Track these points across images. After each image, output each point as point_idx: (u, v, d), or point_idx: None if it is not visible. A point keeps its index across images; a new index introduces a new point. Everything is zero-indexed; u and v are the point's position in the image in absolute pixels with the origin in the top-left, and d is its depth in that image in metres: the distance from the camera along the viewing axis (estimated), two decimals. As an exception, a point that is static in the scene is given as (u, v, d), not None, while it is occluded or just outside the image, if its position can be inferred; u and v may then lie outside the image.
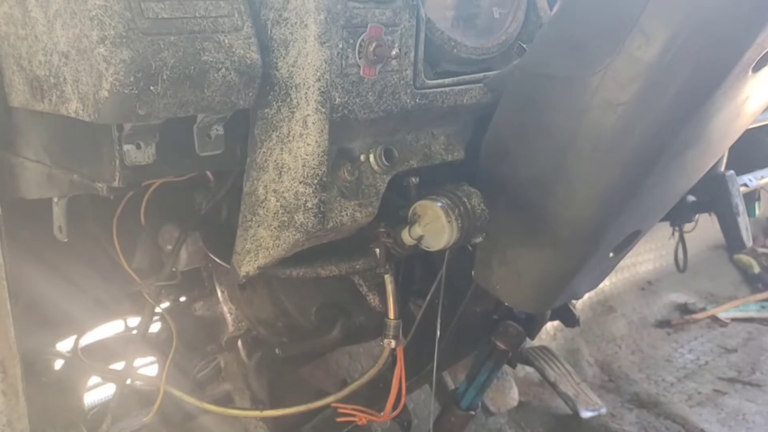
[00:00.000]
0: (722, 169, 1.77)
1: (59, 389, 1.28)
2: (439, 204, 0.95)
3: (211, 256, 1.18)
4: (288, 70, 0.86)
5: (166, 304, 1.34)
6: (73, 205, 1.03)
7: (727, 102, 0.97)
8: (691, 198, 1.74)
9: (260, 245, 0.97)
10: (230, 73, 0.80)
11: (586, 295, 2.05)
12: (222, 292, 1.32)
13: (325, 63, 0.85)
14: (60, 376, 1.30)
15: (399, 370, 1.14)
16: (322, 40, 0.84)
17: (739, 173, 1.84)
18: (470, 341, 1.52)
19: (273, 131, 0.90)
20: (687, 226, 1.89)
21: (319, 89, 0.85)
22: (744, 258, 2.99)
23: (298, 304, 1.32)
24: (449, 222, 0.94)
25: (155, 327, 1.38)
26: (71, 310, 1.25)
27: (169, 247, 1.19)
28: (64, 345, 1.33)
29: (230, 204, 1.13)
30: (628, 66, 0.88)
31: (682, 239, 1.93)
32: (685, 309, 2.74)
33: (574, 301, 1.63)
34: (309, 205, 0.90)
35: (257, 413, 1.27)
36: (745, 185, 2.00)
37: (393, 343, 1.10)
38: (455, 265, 1.20)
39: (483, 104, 1.08)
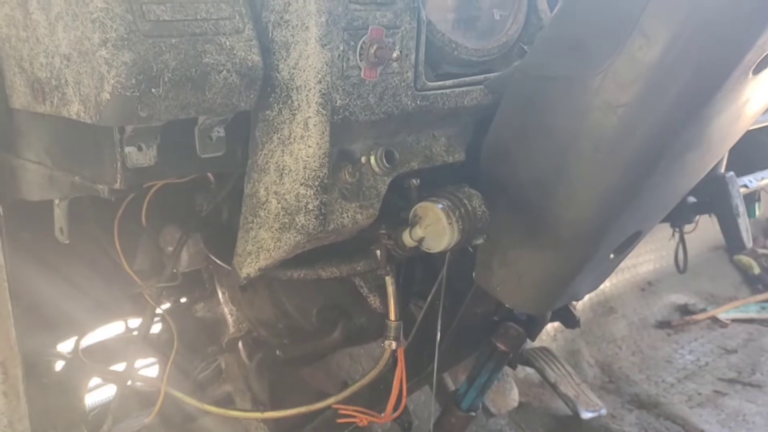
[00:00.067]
0: (722, 170, 1.77)
1: (60, 390, 1.29)
2: (440, 206, 0.96)
3: (212, 257, 1.18)
4: (289, 72, 0.86)
5: (167, 306, 1.35)
6: (75, 207, 1.03)
7: (727, 104, 0.97)
8: (692, 199, 1.74)
9: (261, 247, 0.97)
10: (231, 75, 0.81)
11: (587, 296, 2.05)
12: (223, 293, 1.33)
13: (326, 65, 0.85)
14: (61, 377, 1.30)
15: (400, 372, 1.15)
16: (323, 42, 0.84)
17: (739, 174, 1.84)
18: (471, 342, 1.52)
19: (274, 133, 0.90)
20: (687, 227, 1.89)
21: (320, 91, 0.85)
22: (744, 259, 2.99)
23: (299, 305, 1.32)
24: (450, 224, 0.94)
25: (156, 328, 1.38)
26: (72, 311, 1.25)
27: (170, 249, 1.19)
28: (65, 346, 1.33)
29: (231, 206, 1.13)
30: (629, 67, 0.88)
31: (682, 240, 1.93)
32: (685, 310, 2.74)
33: (574, 302, 1.63)
34: (310, 206, 0.90)
35: (258, 415, 1.27)
36: (746, 186, 2.01)
37: (394, 345, 1.10)
38: (456, 267, 1.20)
39: (484, 106, 1.08)
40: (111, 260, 1.20)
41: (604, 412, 2.02)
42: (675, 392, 2.22)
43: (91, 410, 1.36)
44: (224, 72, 0.80)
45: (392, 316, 1.11)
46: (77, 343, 1.30)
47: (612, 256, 1.20)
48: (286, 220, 0.93)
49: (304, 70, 0.85)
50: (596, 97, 0.92)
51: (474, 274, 1.21)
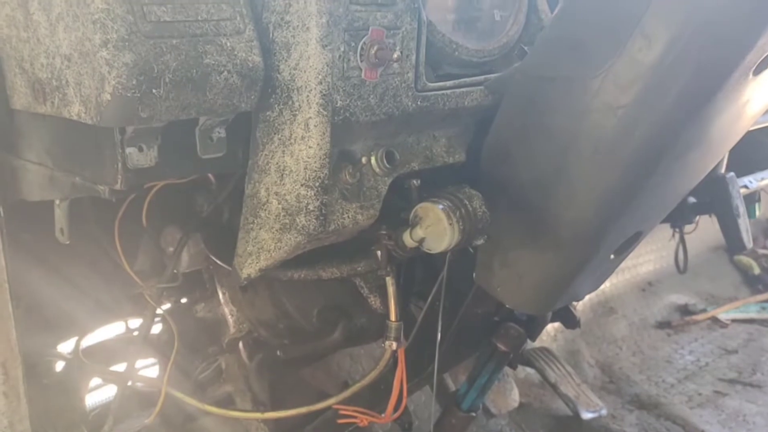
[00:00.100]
0: (723, 170, 1.77)
1: (61, 391, 1.29)
2: (441, 206, 0.96)
3: (213, 258, 1.18)
4: (290, 73, 0.86)
5: (167, 306, 1.35)
6: (75, 208, 1.03)
7: (727, 105, 0.97)
8: (692, 199, 1.74)
9: (262, 247, 0.97)
10: (232, 76, 0.81)
11: (587, 297, 2.05)
12: (223, 293, 1.32)
13: (327, 66, 0.85)
14: (61, 378, 1.30)
15: (400, 372, 1.15)
16: (324, 43, 0.84)
17: (739, 175, 1.84)
18: (471, 343, 1.52)
19: (275, 134, 0.91)
20: (687, 228, 1.89)
21: (320, 92, 0.85)
22: (744, 259, 2.99)
23: (300, 306, 1.32)
24: (451, 224, 0.94)
25: (156, 328, 1.38)
26: (73, 311, 1.25)
27: (171, 249, 1.19)
28: (66, 346, 1.33)
29: (232, 206, 1.13)
30: (629, 68, 0.88)
31: (682, 240, 1.93)
32: (685, 310, 2.74)
33: (574, 303, 1.63)
34: (311, 207, 0.90)
35: (258, 415, 1.27)
36: (746, 187, 2.01)
37: (394, 345, 1.11)
38: (456, 267, 1.20)
39: (484, 107, 1.08)
40: (111, 261, 1.20)
41: (604, 412, 2.02)
42: (675, 392, 2.22)
43: (92, 410, 1.36)
44: (225, 73, 0.80)
45: (393, 317, 1.11)
46: (78, 343, 1.30)
47: (612, 256, 1.20)
48: (287, 221, 0.93)
49: (304, 71, 0.85)
50: (596, 98, 0.92)
51: (474, 274, 1.21)
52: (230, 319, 1.32)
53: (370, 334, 1.33)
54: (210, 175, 1.13)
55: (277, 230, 0.94)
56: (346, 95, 0.89)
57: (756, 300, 2.83)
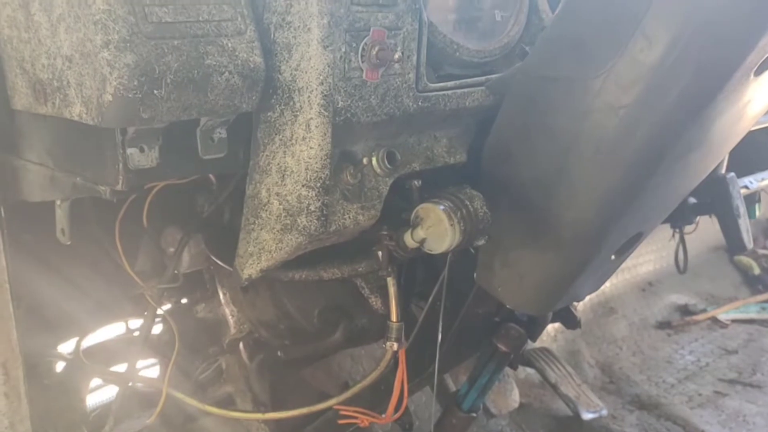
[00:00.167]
0: (723, 171, 1.77)
1: (61, 391, 1.29)
2: (442, 207, 0.96)
3: (214, 258, 1.18)
4: (291, 74, 0.86)
5: (168, 307, 1.35)
6: (76, 208, 1.03)
7: (729, 105, 0.97)
8: (692, 200, 1.74)
9: (263, 248, 0.97)
10: (233, 77, 0.81)
11: (587, 297, 2.06)
12: (224, 294, 1.32)
13: (328, 66, 0.85)
14: (62, 378, 1.30)
15: (401, 373, 1.15)
16: (325, 43, 0.84)
17: (739, 175, 1.84)
18: (472, 343, 1.52)
19: (276, 134, 0.90)
20: (687, 228, 1.89)
21: (322, 93, 0.85)
22: (744, 259, 2.99)
23: (301, 306, 1.32)
24: (452, 225, 0.94)
25: (157, 329, 1.38)
26: (73, 312, 1.25)
27: (172, 250, 1.19)
28: (66, 347, 1.33)
29: (232, 207, 1.13)
30: (630, 69, 0.88)
31: (682, 241, 1.93)
32: (685, 310, 2.74)
33: (575, 303, 1.63)
34: (312, 208, 0.90)
35: (259, 416, 1.27)
36: (746, 187, 2.01)
37: (395, 346, 1.11)
38: (457, 267, 1.20)
39: (485, 107, 1.08)
40: (112, 261, 1.20)
41: (604, 412, 2.02)
42: (675, 393, 2.22)
43: (92, 411, 1.36)
44: (226, 73, 0.80)
45: (394, 317, 1.11)
46: (78, 344, 1.30)
47: (613, 257, 1.20)
48: (288, 222, 0.93)
49: (306, 72, 0.85)
50: (597, 99, 0.92)
51: (475, 274, 1.21)
52: (231, 320, 1.32)
53: (371, 334, 1.33)
54: (211, 176, 1.13)
55: (278, 231, 0.94)
56: (347, 96, 0.89)
57: (756, 300, 2.84)
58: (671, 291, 2.78)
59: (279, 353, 1.33)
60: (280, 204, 0.93)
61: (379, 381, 1.19)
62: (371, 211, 0.97)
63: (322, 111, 0.86)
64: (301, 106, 0.87)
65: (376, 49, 0.88)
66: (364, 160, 0.94)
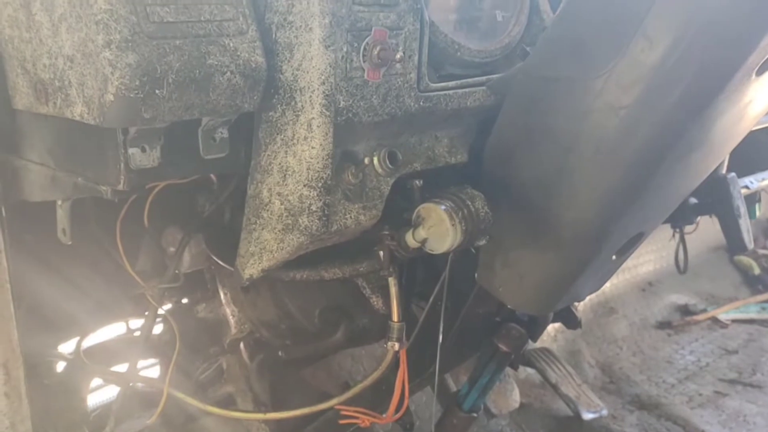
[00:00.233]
0: (724, 171, 1.77)
1: (62, 391, 1.28)
2: (443, 207, 0.95)
3: (214, 258, 1.18)
4: (293, 74, 0.86)
5: (168, 306, 1.35)
6: (77, 208, 1.03)
7: (730, 105, 0.97)
8: (693, 200, 1.74)
9: (264, 248, 0.97)
10: (235, 77, 0.81)
11: (587, 297, 2.06)
12: (225, 294, 1.32)
13: (330, 66, 0.85)
14: (63, 378, 1.30)
15: (402, 373, 1.15)
16: (327, 43, 0.84)
17: (740, 175, 1.84)
18: (473, 343, 1.52)
19: (277, 134, 0.90)
20: (687, 228, 1.89)
21: (323, 92, 0.85)
22: (744, 259, 2.99)
23: (302, 306, 1.32)
24: (453, 225, 0.94)
25: (157, 329, 1.38)
26: (74, 312, 1.25)
27: (172, 250, 1.19)
28: (67, 347, 1.33)
29: (233, 206, 1.13)
30: (631, 69, 0.88)
31: (682, 241, 1.93)
32: (685, 310, 2.74)
33: (575, 303, 1.63)
34: (313, 208, 0.90)
35: (261, 416, 1.27)
36: (747, 187, 2.01)
37: (397, 346, 1.11)
38: (458, 267, 1.20)
39: (486, 107, 1.08)
40: (113, 261, 1.20)
41: (605, 412, 2.02)
42: (676, 393, 2.22)
43: (93, 411, 1.36)
44: (228, 73, 0.80)
45: (395, 317, 1.11)
46: (79, 343, 1.30)
47: (614, 257, 1.20)
48: (289, 221, 0.93)
49: (307, 72, 0.85)
50: (598, 99, 0.92)
51: (476, 274, 1.21)
52: (232, 320, 1.32)
53: (372, 334, 1.33)
54: (211, 175, 1.13)
55: (279, 231, 0.94)
56: (348, 96, 0.89)
57: (756, 300, 2.84)
58: (671, 291, 2.78)
59: (280, 353, 1.32)
60: (281, 204, 0.93)
61: (380, 381, 1.19)
62: (373, 210, 0.97)
63: (324, 111, 0.86)
64: (302, 105, 0.87)
65: (378, 48, 0.88)
66: (366, 160, 0.94)
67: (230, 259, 1.06)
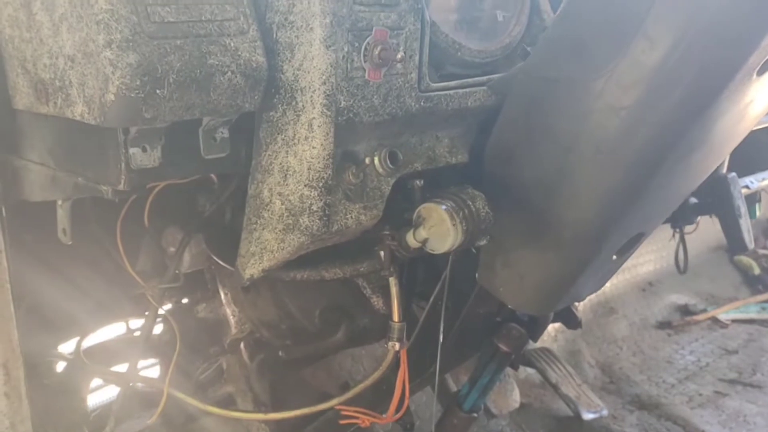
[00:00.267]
0: (724, 170, 1.77)
1: (62, 391, 1.28)
2: (444, 207, 0.95)
3: (215, 258, 1.18)
4: (293, 74, 0.86)
5: (168, 307, 1.34)
6: (77, 208, 1.03)
7: (731, 106, 0.97)
8: (693, 200, 1.74)
9: (265, 248, 0.97)
10: (236, 77, 0.81)
11: (587, 297, 2.06)
12: (225, 294, 1.32)
13: (331, 66, 0.85)
14: (63, 378, 1.30)
15: (403, 373, 1.15)
16: (328, 43, 0.84)
17: (740, 175, 1.84)
18: (473, 343, 1.52)
19: (278, 134, 0.90)
20: (687, 228, 1.89)
21: (324, 92, 0.85)
22: (744, 259, 2.99)
23: (302, 306, 1.32)
24: (454, 225, 0.94)
25: (158, 329, 1.38)
26: (74, 312, 1.25)
27: (173, 250, 1.19)
28: (67, 347, 1.33)
29: (234, 206, 1.13)
30: (632, 70, 0.88)
31: (682, 241, 1.93)
32: (685, 310, 2.74)
33: (575, 303, 1.63)
34: (314, 208, 0.90)
35: (262, 416, 1.27)
36: (747, 187, 2.01)
37: (397, 346, 1.10)
38: (458, 267, 1.20)
39: (487, 107, 1.08)
40: (113, 261, 1.20)
41: (605, 412, 2.02)
42: (676, 393, 2.22)
43: (93, 411, 1.36)
44: (229, 73, 0.80)
45: (396, 317, 1.11)
46: (79, 344, 1.30)
47: (614, 257, 1.20)
48: (290, 221, 0.93)
49: (308, 72, 0.85)
50: (599, 99, 0.92)
51: (477, 274, 1.21)
52: (232, 320, 1.32)
53: (372, 334, 1.33)
54: (212, 175, 1.13)
55: (280, 231, 0.94)
56: (349, 96, 0.89)
57: (756, 300, 2.84)
58: (671, 291, 2.78)
59: (280, 353, 1.32)
60: (282, 204, 0.93)
61: (381, 381, 1.19)
62: (373, 210, 0.97)
63: (325, 111, 0.86)
64: (303, 105, 0.87)
65: (379, 48, 0.88)
66: (367, 160, 0.94)
67: (231, 259, 1.06)
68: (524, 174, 1.06)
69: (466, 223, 0.95)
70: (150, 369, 1.46)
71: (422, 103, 0.98)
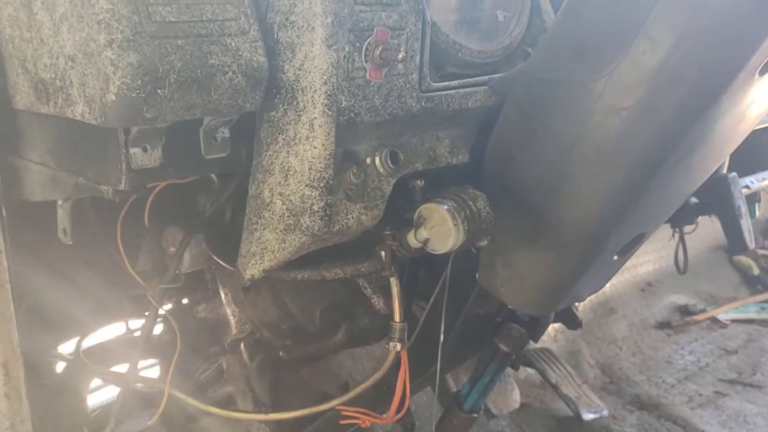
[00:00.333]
0: (725, 170, 1.77)
1: (62, 391, 1.28)
2: (445, 207, 0.95)
3: (215, 258, 1.18)
4: (294, 74, 0.86)
5: (169, 307, 1.34)
6: (77, 208, 1.03)
7: (732, 106, 0.97)
8: (694, 200, 1.74)
9: (266, 248, 0.97)
10: (237, 77, 0.80)
11: (587, 297, 2.06)
12: (225, 294, 1.32)
13: (332, 66, 0.85)
14: (63, 379, 1.30)
15: (403, 373, 1.14)
16: (329, 43, 0.84)
17: (741, 175, 1.84)
18: (473, 343, 1.52)
19: (279, 134, 0.90)
20: (687, 228, 1.88)
21: (325, 92, 0.85)
22: (744, 260, 3.00)
23: (303, 306, 1.31)
24: (455, 225, 0.94)
25: (158, 329, 1.38)
26: (74, 312, 1.25)
27: (173, 250, 1.19)
28: (67, 347, 1.33)
29: (234, 206, 1.13)
30: (633, 71, 0.88)
31: (682, 241, 1.93)
32: (685, 310, 2.74)
33: (576, 303, 1.63)
34: (315, 208, 0.90)
35: (262, 416, 1.27)
36: (747, 187, 2.01)
37: (398, 346, 1.10)
38: (459, 267, 1.19)
39: (488, 107, 1.08)
40: (113, 261, 1.20)
41: (605, 413, 2.02)
42: (676, 393, 2.22)
43: (93, 411, 1.36)
44: (230, 73, 0.79)
45: (397, 318, 1.11)
46: (79, 344, 1.30)
47: (615, 257, 1.20)
48: (291, 222, 0.93)
49: (309, 72, 0.85)
50: (600, 100, 0.92)
51: (477, 275, 1.21)
52: (232, 320, 1.32)
53: (373, 334, 1.33)
54: (213, 175, 1.13)
55: (281, 231, 0.94)
56: (350, 96, 0.89)
57: (755, 300, 2.84)
58: (671, 291, 2.79)
59: (281, 353, 1.32)
60: (283, 204, 0.93)
61: (381, 381, 1.18)
62: (374, 210, 0.97)
63: (326, 111, 0.86)
64: (304, 105, 0.87)
65: (380, 49, 0.88)
66: (368, 160, 0.94)
67: (231, 260, 1.06)
68: (525, 174, 1.06)
69: (467, 224, 0.95)
70: (150, 369, 1.45)
71: (423, 104, 0.98)
